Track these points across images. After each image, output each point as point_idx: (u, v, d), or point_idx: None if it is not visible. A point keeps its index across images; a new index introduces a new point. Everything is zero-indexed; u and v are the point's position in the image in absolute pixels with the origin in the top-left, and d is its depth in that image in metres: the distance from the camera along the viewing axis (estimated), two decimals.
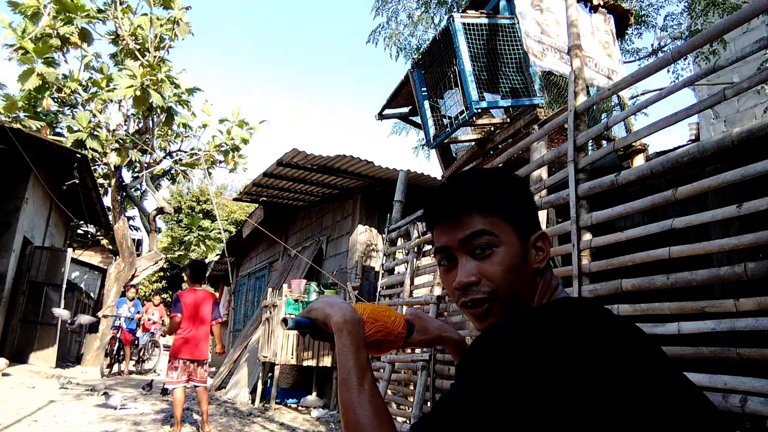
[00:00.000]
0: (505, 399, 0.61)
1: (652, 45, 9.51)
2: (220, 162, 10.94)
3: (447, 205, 0.82)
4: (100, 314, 9.70)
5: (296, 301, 6.96)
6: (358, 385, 0.77)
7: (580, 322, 0.67)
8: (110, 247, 15.72)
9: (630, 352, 0.65)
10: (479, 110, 4.03)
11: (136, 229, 15.77)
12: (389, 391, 4.43)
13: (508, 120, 4.31)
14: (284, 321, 0.92)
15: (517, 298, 0.79)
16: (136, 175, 10.65)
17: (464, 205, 0.80)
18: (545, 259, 0.81)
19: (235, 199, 9.18)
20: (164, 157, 11.27)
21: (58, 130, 10.53)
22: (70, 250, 10.15)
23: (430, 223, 0.86)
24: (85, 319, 9.09)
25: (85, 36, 9.09)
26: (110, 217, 10.78)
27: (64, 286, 9.41)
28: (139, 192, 11.04)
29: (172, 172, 11.62)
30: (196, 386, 4.91)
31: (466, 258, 0.79)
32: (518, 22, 4.19)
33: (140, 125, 10.20)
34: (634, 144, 3.62)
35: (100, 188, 10.52)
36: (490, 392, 0.62)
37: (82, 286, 13.74)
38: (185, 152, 11.25)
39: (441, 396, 0.68)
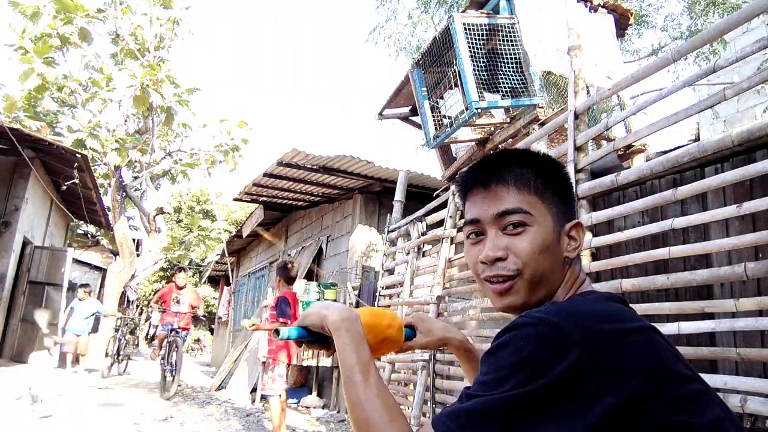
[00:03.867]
0: (532, 388, 0.59)
1: (652, 45, 9.52)
2: (220, 162, 10.95)
3: (486, 175, 0.80)
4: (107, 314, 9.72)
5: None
6: (363, 380, 0.75)
7: (611, 319, 0.65)
8: (110, 247, 15.73)
9: (653, 354, 0.64)
10: (479, 110, 4.02)
11: (136, 229, 15.79)
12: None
13: (508, 120, 4.31)
14: (276, 332, 0.87)
15: (542, 281, 0.76)
16: (136, 175, 10.66)
17: (503, 178, 0.78)
18: (577, 248, 0.79)
19: (235, 199, 9.15)
20: (164, 157, 11.28)
21: (58, 130, 10.55)
22: (71, 249, 10.15)
23: (464, 191, 0.84)
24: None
25: (85, 36, 9.10)
26: (110, 217, 10.79)
27: (66, 285, 9.42)
28: (139, 192, 11.04)
29: (172, 172, 11.63)
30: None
31: (497, 233, 0.77)
32: (518, 22, 4.19)
33: (140, 125, 10.20)
34: (634, 144, 3.62)
35: (100, 188, 10.53)
36: (518, 380, 0.60)
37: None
38: (185, 152, 11.26)
39: (468, 386, 0.67)
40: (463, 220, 0.83)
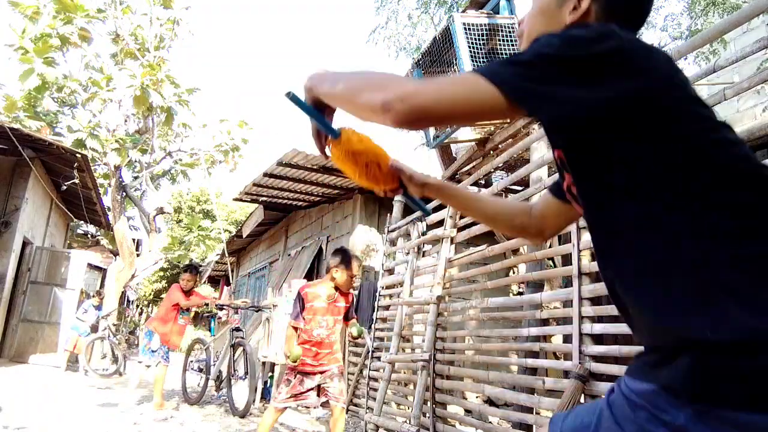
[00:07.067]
0: (574, 54, 0.66)
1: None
2: (220, 162, 10.95)
3: None
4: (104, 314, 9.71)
5: None
6: (357, 75, 0.80)
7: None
8: (110, 247, 15.74)
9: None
10: None
11: (136, 229, 15.80)
12: (389, 391, 4.43)
13: (508, 120, 4.31)
14: (288, 93, 0.91)
15: None
16: (136, 175, 10.66)
17: None
18: (577, 16, 0.83)
19: (235, 199, 9.15)
20: (164, 157, 11.29)
21: (58, 130, 10.55)
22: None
23: None
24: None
25: (85, 36, 9.10)
26: (110, 217, 10.80)
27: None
28: (139, 192, 11.05)
29: (172, 172, 11.63)
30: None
31: None
32: (518, 22, 4.19)
33: (140, 125, 10.21)
34: None
35: (100, 188, 10.53)
36: (561, 49, 0.67)
37: (82, 285, 13.78)
38: (185, 152, 11.27)
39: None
40: None
